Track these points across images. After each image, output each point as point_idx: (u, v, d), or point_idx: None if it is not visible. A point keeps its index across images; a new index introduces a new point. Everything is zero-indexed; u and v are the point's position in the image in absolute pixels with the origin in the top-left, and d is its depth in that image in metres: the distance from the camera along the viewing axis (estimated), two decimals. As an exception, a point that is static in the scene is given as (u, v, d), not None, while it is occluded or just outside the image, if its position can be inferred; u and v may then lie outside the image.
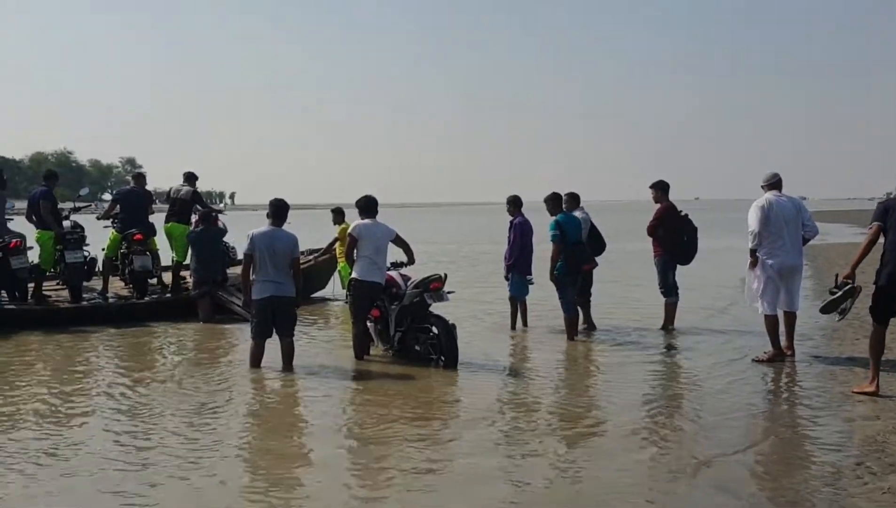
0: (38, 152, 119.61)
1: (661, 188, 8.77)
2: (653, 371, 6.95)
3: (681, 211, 8.80)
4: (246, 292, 7.00)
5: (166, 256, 10.81)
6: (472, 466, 4.46)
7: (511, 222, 8.90)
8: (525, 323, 9.03)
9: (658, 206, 8.75)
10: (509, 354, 8.00)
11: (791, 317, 7.25)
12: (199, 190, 10.88)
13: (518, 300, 8.97)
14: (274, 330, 6.96)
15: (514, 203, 8.95)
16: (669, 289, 8.73)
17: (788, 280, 7.12)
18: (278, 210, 7.06)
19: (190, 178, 10.78)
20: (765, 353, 7.13)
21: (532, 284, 8.94)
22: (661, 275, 8.72)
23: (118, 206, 10.46)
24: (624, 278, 13.62)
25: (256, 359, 6.99)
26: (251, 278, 6.89)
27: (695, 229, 8.81)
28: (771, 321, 7.11)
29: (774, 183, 7.19)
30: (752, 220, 7.03)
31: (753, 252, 7.09)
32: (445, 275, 7.38)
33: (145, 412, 5.67)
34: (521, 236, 8.73)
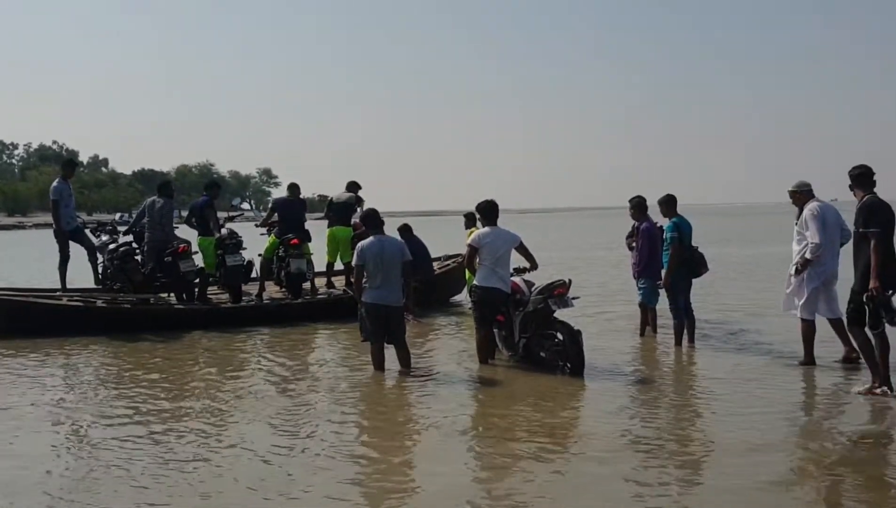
0: (182, 165, 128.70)
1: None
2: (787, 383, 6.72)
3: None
4: (357, 297, 7.16)
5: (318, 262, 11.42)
6: (602, 494, 4.32)
7: (636, 227, 8.71)
8: (654, 330, 8.85)
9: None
10: (637, 362, 7.93)
11: (838, 323, 7.04)
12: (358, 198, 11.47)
13: (648, 308, 8.77)
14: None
15: (640, 207, 8.65)
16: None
17: (830, 287, 7.04)
18: (373, 218, 7.28)
19: (352, 186, 11.53)
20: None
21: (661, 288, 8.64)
22: None
23: (276, 214, 11.27)
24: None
25: (379, 363, 7.21)
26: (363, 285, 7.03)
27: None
28: (811, 328, 7.05)
29: (810, 190, 7.10)
30: (815, 231, 6.79)
31: (808, 262, 6.87)
32: (570, 280, 7.28)
33: (301, 411, 6.14)
34: (648, 240, 8.45)
